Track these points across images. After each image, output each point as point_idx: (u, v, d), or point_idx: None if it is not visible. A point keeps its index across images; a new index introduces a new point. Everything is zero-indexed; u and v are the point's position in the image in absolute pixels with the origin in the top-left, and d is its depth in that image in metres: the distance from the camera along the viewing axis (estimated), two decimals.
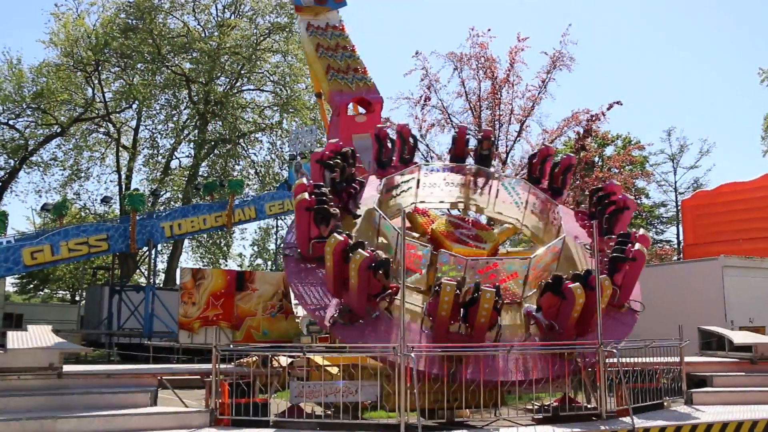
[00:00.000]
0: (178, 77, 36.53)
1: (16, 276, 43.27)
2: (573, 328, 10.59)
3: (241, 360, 10.91)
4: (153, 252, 28.84)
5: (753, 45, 77.14)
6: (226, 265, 42.65)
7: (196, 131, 38.04)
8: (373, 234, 13.02)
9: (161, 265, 40.33)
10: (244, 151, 39.99)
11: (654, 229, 44.15)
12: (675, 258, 34.80)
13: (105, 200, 35.64)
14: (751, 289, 16.69)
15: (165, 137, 38.89)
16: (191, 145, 38.62)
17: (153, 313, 25.72)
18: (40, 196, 37.49)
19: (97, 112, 37.72)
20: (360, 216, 13.65)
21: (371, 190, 14.28)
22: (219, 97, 36.33)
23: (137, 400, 9.31)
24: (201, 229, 29.18)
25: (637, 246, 12.00)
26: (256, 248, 48.04)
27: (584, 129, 29.34)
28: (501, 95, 28.44)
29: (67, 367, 9.84)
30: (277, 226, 42.26)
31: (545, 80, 28.51)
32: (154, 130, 38.87)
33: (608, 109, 28.30)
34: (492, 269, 12.01)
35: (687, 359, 11.31)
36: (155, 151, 38.83)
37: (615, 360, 9.85)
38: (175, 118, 38.13)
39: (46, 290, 54.78)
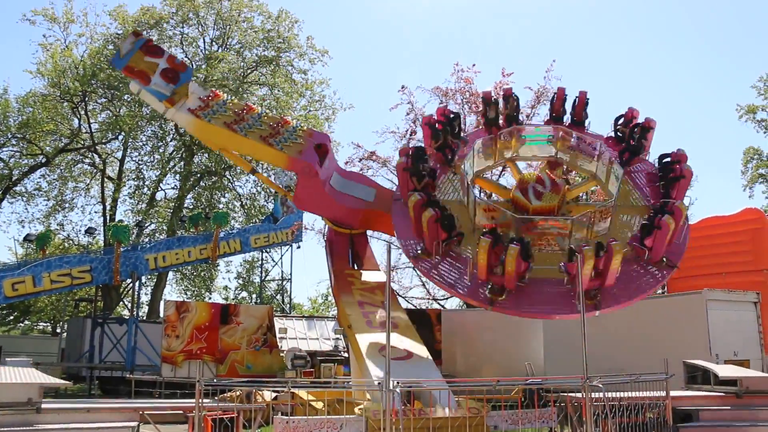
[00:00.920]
0: None
1: None
2: (592, 280, 12.95)
3: (225, 394, 10.79)
4: (137, 284, 28.57)
5: (732, 80, 78.70)
6: (211, 298, 42.31)
7: (182, 163, 38.01)
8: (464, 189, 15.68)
9: (145, 298, 39.89)
10: (229, 184, 39.96)
11: None
12: (660, 291, 34.94)
13: (89, 231, 35.37)
14: (735, 322, 16.82)
15: (151, 169, 38.83)
16: (177, 177, 38.56)
17: (136, 346, 25.37)
18: (23, 227, 37.22)
19: (82, 142, 37.63)
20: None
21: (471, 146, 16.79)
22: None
23: None
24: (186, 261, 29.01)
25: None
26: (240, 281, 47.69)
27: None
28: None
29: (46, 403, 9.66)
30: (262, 259, 42.10)
31: (529, 115, 28.88)
32: (139, 162, 38.83)
33: None
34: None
35: (673, 393, 11.28)
36: (141, 183, 38.73)
37: (600, 395, 9.82)
38: (161, 150, 38.13)
39: (26, 322, 53.95)
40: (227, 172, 39.09)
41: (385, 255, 10.85)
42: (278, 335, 22.59)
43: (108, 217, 36.72)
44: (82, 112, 36.54)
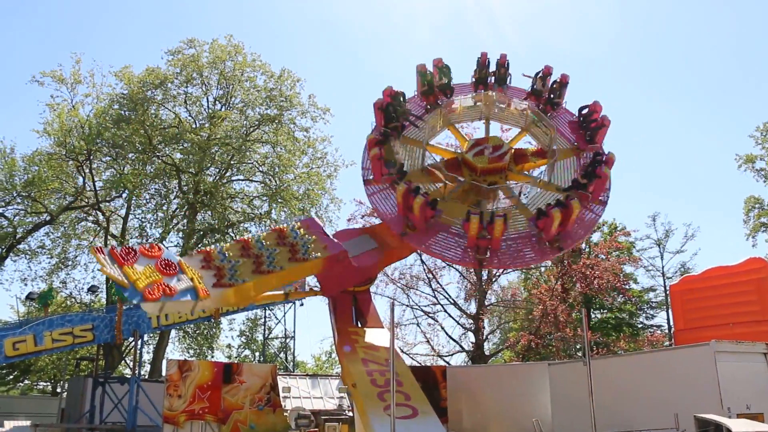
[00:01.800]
0: (168, 167, 36.92)
1: None
2: (556, 231, 16.33)
3: None
4: (139, 343, 28.31)
5: (730, 130, 79.46)
6: (213, 357, 41.87)
7: (185, 221, 38.12)
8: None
9: (147, 356, 39.52)
10: (231, 241, 39.94)
11: (644, 314, 43.99)
12: (666, 344, 34.54)
13: (92, 290, 35.19)
14: (746, 374, 16.48)
15: (154, 226, 38.88)
16: (180, 234, 38.59)
17: (137, 405, 24.96)
18: (26, 285, 37.01)
19: (86, 200, 37.83)
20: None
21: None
22: (209, 187, 36.64)
23: None
24: (188, 319, 28.78)
25: (605, 168, 17.39)
26: (243, 339, 47.32)
27: None
28: None
29: None
30: (265, 317, 41.88)
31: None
32: (143, 219, 38.92)
33: None
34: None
35: None
36: (144, 240, 38.72)
37: None
38: (164, 208, 38.28)
39: (26, 381, 53.28)
40: (230, 230, 39.18)
41: (388, 312, 10.81)
42: (282, 394, 22.26)
43: None
44: (87, 171, 36.86)
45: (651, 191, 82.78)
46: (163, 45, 75.19)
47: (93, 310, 31.50)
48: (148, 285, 12.99)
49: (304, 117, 38.91)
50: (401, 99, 19.20)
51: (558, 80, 20.32)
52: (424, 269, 31.10)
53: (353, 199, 30.92)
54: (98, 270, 38.02)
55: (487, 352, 33.38)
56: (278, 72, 38.76)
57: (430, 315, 32.36)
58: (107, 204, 38.92)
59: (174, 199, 38.56)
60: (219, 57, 37.59)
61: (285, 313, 40.62)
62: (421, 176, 18.01)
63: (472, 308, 31.27)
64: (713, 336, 17.24)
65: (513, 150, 19.32)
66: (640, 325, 43.18)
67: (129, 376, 29.02)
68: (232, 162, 37.77)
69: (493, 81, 20.77)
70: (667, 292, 37.35)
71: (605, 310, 41.29)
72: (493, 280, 30.98)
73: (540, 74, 20.43)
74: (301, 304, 37.59)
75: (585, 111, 19.44)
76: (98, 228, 39.03)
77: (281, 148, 37.56)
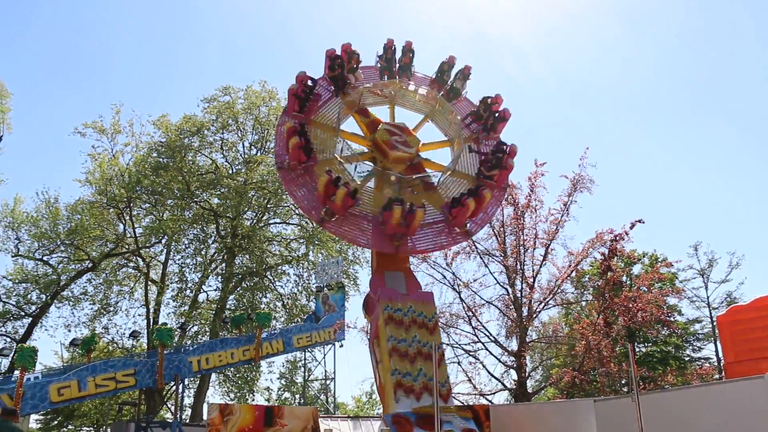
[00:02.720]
0: (206, 212, 37.48)
1: (41, 412, 42.70)
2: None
3: None
4: (180, 387, 28.44)
5: None
6: (254, 399, 41.80)
7: (224, 265, 38.50)
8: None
9: (188, 400, 39.65)
10: (271, 284, 40.20)
11: (690, 347, 42.83)
12: (716, 377, 33.51)
13: (133, 335, 35.65)
14: None
15: (193, 271, 39.38)
16: (219, 278, 39.00)
17: None
18: (69, 331, 37.66)
19: (127, 247, 38.53)
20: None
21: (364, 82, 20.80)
22: (246, 231, 37.05)
23: None
24: (229, 363, 28.92)
25: (511, 161, 19.02)
26: (283, 381, 47.18)
27: (609, 249, 29.25)
28: (524, 220, 28.73)
29: None
30: (305, 359, 41.73)
31: (567, 203, 28.77)
32: (182, 264, 39.45)
33: (631, 227, 28.30)
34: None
35: None
36: (183, 285, 39.21)
37: None
38: (203, 252, 38.77)
39: (70, 426, 53.73)
40: (268, 273, 39.43)
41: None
42: None
43: (152, 320, 37.05)
44: (127, 218, 37.62)
45: (691, 220, 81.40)
46: (199, 93, 77.08)
47: (135, 355, 31.88)
48: None
49: None
50: (312, 84, 19.54)
51: (462, 70, 21.54)
52: (464, 307, 30.74)
53: None
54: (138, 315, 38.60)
55: (530, 390, 32.67)
56: None
57: (471, 353, 31.86)
58: (147, 250, 39.57)
59: (212, 243, 39.07)
60: (254, 103, 38.36)
61: (325, 355, 40.45)
62: (335, 163, 18.58)
63: (513, 345, 30.68)
64: (767, 368, 16.66)
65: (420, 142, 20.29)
66: (687, 358, 42.01)
67: (171, 420, 29.15)
68: (268, 206, 38.22)
69: (397, 68, 21.44)
70: (714, 324, 36.39)
71: (650, 344, 40.29)
72: (534, 316, 30.46)
73: (445, 64, 21.56)
74: (341, 345, 37.42)
75: (488, 101, 20.67)
76: (138, 274, 39.64)
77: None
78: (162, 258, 40.16)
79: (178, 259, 39.57)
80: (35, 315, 37.27)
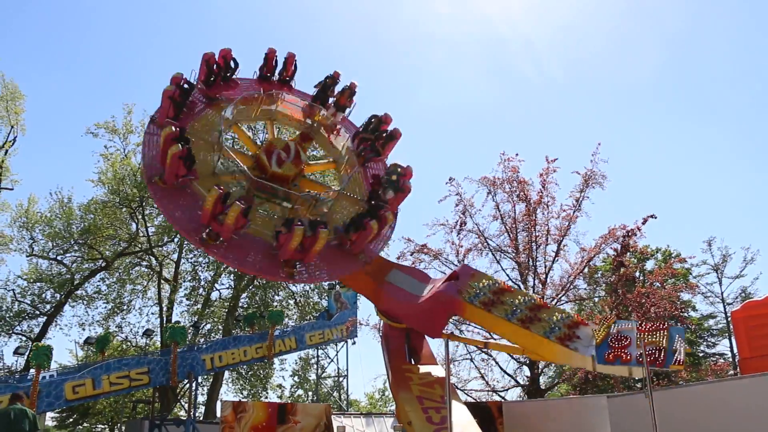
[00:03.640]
0: None
1: (57, 410, 43.05)
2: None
3: None
4: (194, 384, 28.56)
5: None
6: (267, 397, 41.91)
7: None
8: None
9: (201, 398, 39.82)
10: (283, 282, 40.26)
11: (705, 342, 42.58)
12: (731, 373, 33.31)
13: (147, 333, 35.85)
14: None
15: (206, 270, 39.50)
16: (231, 276, 39.07)
17: None
18: (84, 329, 37.91)
19: (140, 246, 38.71)
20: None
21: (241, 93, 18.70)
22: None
23: None
24: (242, 360, 28.99)
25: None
26: (296, 379, 47.33)
27: (621, 245, 29.14)
28: (536, 216, 28.66)
29: None
30: (317, 356, 41.82)
31: (579, 199, 28.69)
32: (195, 263, 39.57)
33: (643, 223, 28.19)
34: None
35: None
36: (196, 284, 39.36)
37: None
38: None
39: (85, 424, 54.18)
40: None
41: (441, 348, 10.72)
42: None
43: (165, 319, 37.22)
44: (140, 217, 37.79)
45: (705, 215, 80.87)
46: None
47: (148, 353, 32.06)
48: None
49: None
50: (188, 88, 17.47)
51: (347, 87, 20.03)
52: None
53: (402, 237, 30.70)
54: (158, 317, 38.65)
55: (543, 386, 32.59)
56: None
57: (484, 350, 31.81)
58: (160, 249, 39.73)
59: None
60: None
61: (338, 352, 40.52)
62: (212, 179, 16.46)
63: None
64: None
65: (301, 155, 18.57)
66: (701, 354, 41.79)
67: (184, 418, 29.32)
68: None
69: (278, 81, 20.05)
70: (729, 319, 36.13)
71: None
72: None
73: (329, 79, 19.99)
74: (354, 343, 37.45)
75: (373, 121, 19.40)
76: (151, 272, 39.83)
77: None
78: (175, 257, 40.31)
79: (191, 258, 39.72)
80: (50, 314, 37.56)
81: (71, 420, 51.70)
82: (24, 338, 37.12)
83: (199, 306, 38.49)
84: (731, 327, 32.97)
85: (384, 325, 17.94)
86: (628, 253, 30.48)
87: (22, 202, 38.89)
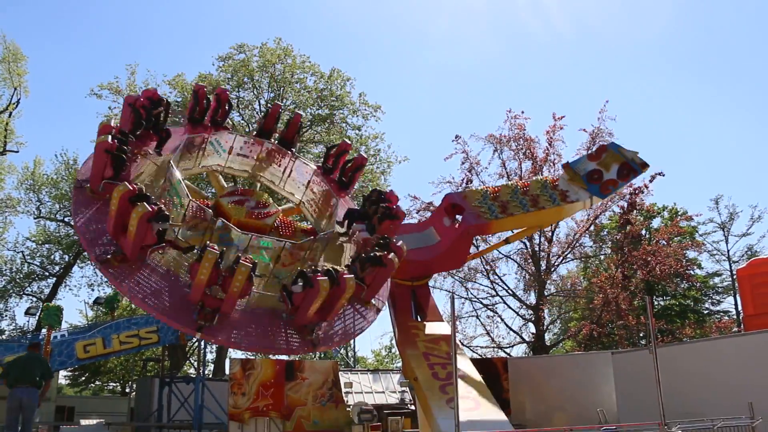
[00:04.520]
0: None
1: (69, 369, 43.80)
2: (314, 314, 12.33)
3: None
4: (202, 343, 28.91)
5: None
6: (275, 354, 42.43)
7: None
8: (164, 183, 14.12)
9: (210, 356, 40.36)
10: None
11: (710, 300, 42.75)
12: (735, 330, 33.51)
13: None
14: None
15: None
16: None
17: (203, 404, 25.56)
18: (93, 290, 38.38)
19: None
20: (163, 159, 14.70)
21: (176, 141, 15.43)
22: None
23: None
24: None
25: (392, 256, 13.71)
26: None
27: (628, 203, 29.08)
28: (542, 174, 28.54)
29: None
30: None
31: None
32: None
33: (651, 181, 28.07)
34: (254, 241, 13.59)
35: None
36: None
37: None
38: None
39: (97, 382, 55.15)
40: None
41: (447, 305, 10.81)
42: (344, 390, 22.45)
43: None
44: None
45: (712, 173, 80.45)
46: (214, 51, 76.65)
47: None
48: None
49: (355, 115, 39.09)
50: (161, 109, 15.34)
51: (353, 161, 17.81)
52: (482, 261, 30.81)
53: (408, 195, 30.73)
54: None
55: (548, 343, 32.93)
56: (328, 72, 39.02)
57: (490, 307, 32.05)
58: None
59: None
60: (269, 60, 38.02)
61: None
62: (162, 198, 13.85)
63: (532, 299, 30.87)
64: None
65: (281, 217, 16.57)
66: (705, 312, 41.98)
67: (194, 376, 29.77)
68: None
69: (276, 141, 18.11)
70: (734, 277, 36.20)
71: (668, 297, 40.28)
72: (552, 269, 30.54)
73: (334, 150, 18.34)
74: None
75: (375, 205, 16.35)
76: None
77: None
78: None
79: None
80: (59, 275, 37.96)
81: (83, 378, 52.64)
82: (35, 299, 37.59)
83: None
84: (736, 285, 33.05)
85: (390, 283, 18.04)
86: (635, 211, 30.46)
87: (27, 165, 38.98)
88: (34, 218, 38.57)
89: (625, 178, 18.54)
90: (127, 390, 47.04)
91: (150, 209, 11.25)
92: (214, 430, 24.63)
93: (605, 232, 33.34)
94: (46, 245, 38.39)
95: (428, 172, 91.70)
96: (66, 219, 38.29)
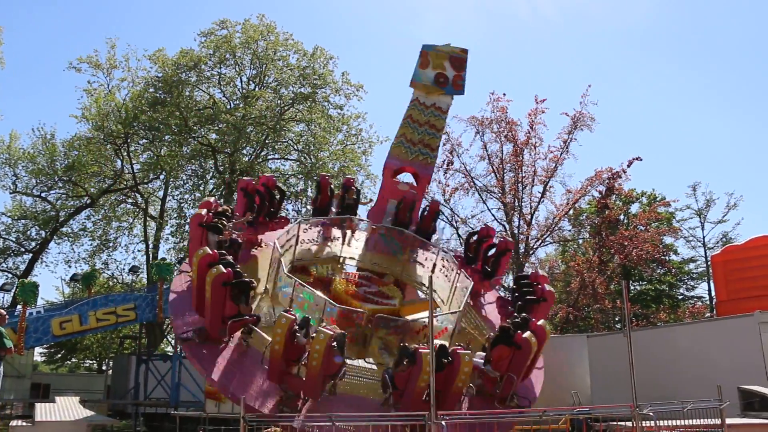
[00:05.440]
0: (204, 148, 37.27)
1: (45, 346, 43.52)
2: (521, 378, 11.09)
3: (269, 429, 10.67)
4: None
5: None
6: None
7: (222, 200, 38.51)
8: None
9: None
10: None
11: (684, 286, 43.31)
12: (708, 315, 34.00)
13: (133, 270, 35.97)
14: None
15: (192, 207, 39.37)
16: None
17: (180, 382, 25.57)
18: (70, 267, 38.02)
19: (125, 183, 38.50)
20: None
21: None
22: (244, 167, 36.91)
23: None
24: None
25: (547, 287, 13.34)
26: None
27: (606, 187, 29.22)
28: (523, 157, 28.56)
29: None
30: None
31: (567, 141, 28.62)
32: (180, 200, 39.44)
33: (628, 165, 28.24)
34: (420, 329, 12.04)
35: (729, 421, 10.86)
36: (182, 221, 39.28)
37: (651, 423, 9.52)
38: (201, 188, 38.72)
39: (73, 360, 54.87)
40: None
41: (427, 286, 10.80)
42: None
43: (151, 256, 37.31)
44: (125, 154, 37.45)
45: (691, 160, 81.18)
46: (196, 27, 75.70)
47: (134, 290, 32.23)
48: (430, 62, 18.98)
49: (337, 94, 38.88)
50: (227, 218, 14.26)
51: (497, 246, 16.53)
52: (461, 243, 30.89)
53: None
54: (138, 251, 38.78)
55: None
56: (311, 50, 38.70)
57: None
58: (145, 186, 39.54)
59: (210, 179, 38.99)
60: (251, 37, 37.62)
61: None
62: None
63: (510, 281, 31.04)
64: (757, 307, 16.87)
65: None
66: (680, 297, 42.53)
67: (171, 354, 29.74)
68: (267, 141, 37.95)
69: (414, 231, 17.35)
70: (709, 263, 36.67)
71: (644, 282, 40.73)
72: (531, 252, 30.73)
73: (474, 236, 17.28)
74: None
75: (475, 239, 16.22)
76: (137, 210, 39.73)
77: (316, 126, 37.57)
78: (160, 194, 40.18)
79: (177, 195, 39.58)
80: (35, 251, 37.54)
81: (59, 356, 52.32)
82: (10, 275, 37.18)
83: (186, 243, 38.48)
84: (710, 271, 33.51)
85: None
86: (613, 196, 30.67)
87: (3, 138, 38.43)
88: (10, 193, 38.14)
89: (460, 69, 18.76)
90: (104, 367, 46.91)
91: (224, 271, 10.05)
92: (191, 408, 24.65)
93: (584, 216, 33.57)
94: (22, 221, 37.93)
95: None
96: (43, 194, 37.86)
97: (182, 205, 39.38)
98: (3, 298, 31.90)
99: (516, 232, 30.58)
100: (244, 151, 38.43)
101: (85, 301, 24.18)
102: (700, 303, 40.20)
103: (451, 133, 30.21)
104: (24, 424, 13.85)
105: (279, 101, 38.26)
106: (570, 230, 34.37)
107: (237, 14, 67.48)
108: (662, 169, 78.05)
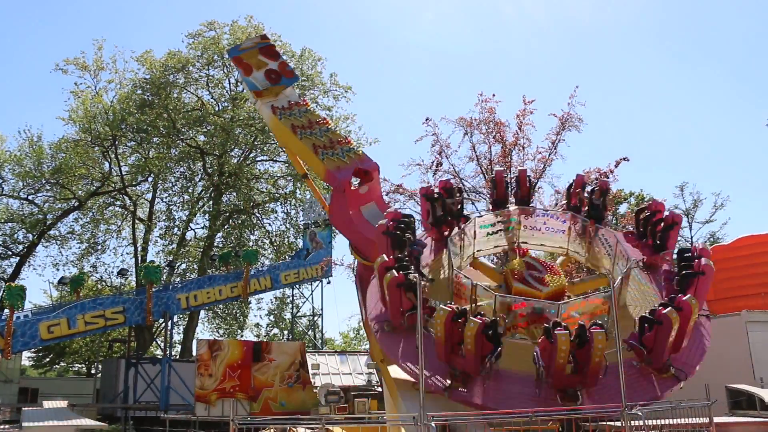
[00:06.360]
0: (192, 150, 37.17)
1: (32, 350, 43.21)
2: (669, 350, 11.38)
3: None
4: (169, 324, 28.73)
5: (760, 96, 77.78)
6: (243, 336, 42.35)
7: (211, 203, 38.42)
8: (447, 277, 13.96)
9: (177, 337, 40.09)
10: (258, 222, 40.25)
11: None
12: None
13: (121, 273, 35.81)
14: None
15: (180, 209, 39.31)
16: (206, 216, 38.96)
17: (169, 385, 25.48)
18: (58, 270, 37.80)
19: (113, 185, 38.31)
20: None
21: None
22: (233, 169, 36.86)
23: None
24: (217, 300, 29.18)
25: (704, 260, 12.82)
26: (271, 318, 47.91)
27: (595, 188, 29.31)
28: (511, 158, 28.61)
29: None
30: (293, 295, 42.17)
31: (555, 141, 28.66)
32: (169, 203, 39.37)
33: (616, 166, 28.29)
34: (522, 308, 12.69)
35: (717, 420, 10.94)
36: (171, 223, 39.20)
37: (640, 423, 9.57)
38: (190, 190, 38.64)
39: (61, 363, 54.47)
40: (256, 210, 39.38)
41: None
42: (311, 371, 22.49)
43: (139, 258, 37.14)
44: (113, 156, 37.28)
45: (678, 160, 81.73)
46: (184, 28, 75.42)
47: (123, 293, 32.07)
48: (247, 62, 18.38)
49: (326, 96, 38.96)
50: (409, 225, 14.83)
51: (597, 188, 16.67)
52: None
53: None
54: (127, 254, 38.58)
55: None
56: (299, 52, 38.67)
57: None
58: (134, 188, 39.38)
59: (199, 181, 38.93)
60: (239, 39, 37.55)
61: (312, 291, 40.93)
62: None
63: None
64: (744, 306, 17.05)
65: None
66: None
67: (160, 357, 29.60)
68: (255, 143, 37.92)
69: (514, 202, 17.25)
70: None
71: None
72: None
73: (572, 186, 17.16)
74: (328, 282, 37.96)
75: (646, 214, 15.90)
76: (126, 212, 39.54)
77: None
78: (149, 196, 40.04)
79: (165, 197, 39.51)
80: (23, 254, 37.29)
81: (48, 360, 51.93)
82: None
83: (174, 245, 38.40)
84: None
85: (358, 265, 17.97)
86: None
87: None
88: None
89: (277, 56, 18.71)
90: (93, 371, 46.60)
91: (396, 275, 11.95)
92: (181, 411, 24.55)
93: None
94: (9, 224, 37.66)
95: (398, 155, 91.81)
96: (30, 197, 37.60)
97: (171, 207, 39.35)
98: None
99: None
100: (233, 153, 38.39)
101: (73, 305, 24.06)
102: None
103: (440, 134, 30.21)
104: (11, 429, 13.77)
105: None
106: None
107: (225, 16, 67.41)
108: (650, 169, 78.60)
